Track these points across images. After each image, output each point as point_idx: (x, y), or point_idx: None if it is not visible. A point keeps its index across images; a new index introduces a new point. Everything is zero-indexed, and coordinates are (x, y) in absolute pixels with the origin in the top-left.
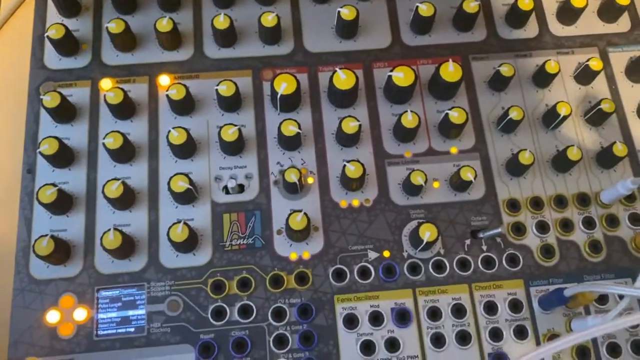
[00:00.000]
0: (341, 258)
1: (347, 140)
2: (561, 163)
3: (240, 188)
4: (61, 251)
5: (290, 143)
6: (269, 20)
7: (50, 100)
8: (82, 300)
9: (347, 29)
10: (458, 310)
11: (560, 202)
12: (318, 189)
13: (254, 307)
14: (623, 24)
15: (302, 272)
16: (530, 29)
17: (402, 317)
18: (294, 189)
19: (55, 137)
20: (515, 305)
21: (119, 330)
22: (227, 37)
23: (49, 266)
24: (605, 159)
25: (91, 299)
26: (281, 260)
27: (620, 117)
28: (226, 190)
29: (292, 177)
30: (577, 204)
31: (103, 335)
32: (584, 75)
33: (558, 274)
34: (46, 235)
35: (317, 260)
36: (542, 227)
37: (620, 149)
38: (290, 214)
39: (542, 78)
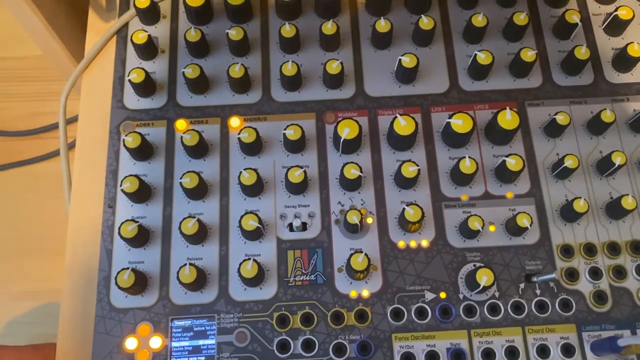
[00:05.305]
0: (399, 298)
1: (406, 183)
2: (615, 211)
3: (304, 226)
4: (140, 283)
5: (352, 185)
6: (333, 67)
7: (132, 140)
8: (158, 329)
9: (407, 75)
10: (511, 352)
11: (613, 249)
12: (377, 229)
13: (316, 341)
14: None
15: (361, 310)
16: (586, 76)
17: (458, 357)
18: (354, 229)
19: (136, 176)
20: (567, 349)
21: (191, 359)
22: (294, 82)
23: (127, 296)
24: None
25: (165, 328)
26: (342, 297)
27: None
28: (290, 227)
29: (353, 218)
30: (631, 252)
31: None
32: None
33: (610, 320)
34: (127, 268)
35: (376, 299)
36: (595, 273)
37: None
38: (352, 255)
39: (597, 126)
